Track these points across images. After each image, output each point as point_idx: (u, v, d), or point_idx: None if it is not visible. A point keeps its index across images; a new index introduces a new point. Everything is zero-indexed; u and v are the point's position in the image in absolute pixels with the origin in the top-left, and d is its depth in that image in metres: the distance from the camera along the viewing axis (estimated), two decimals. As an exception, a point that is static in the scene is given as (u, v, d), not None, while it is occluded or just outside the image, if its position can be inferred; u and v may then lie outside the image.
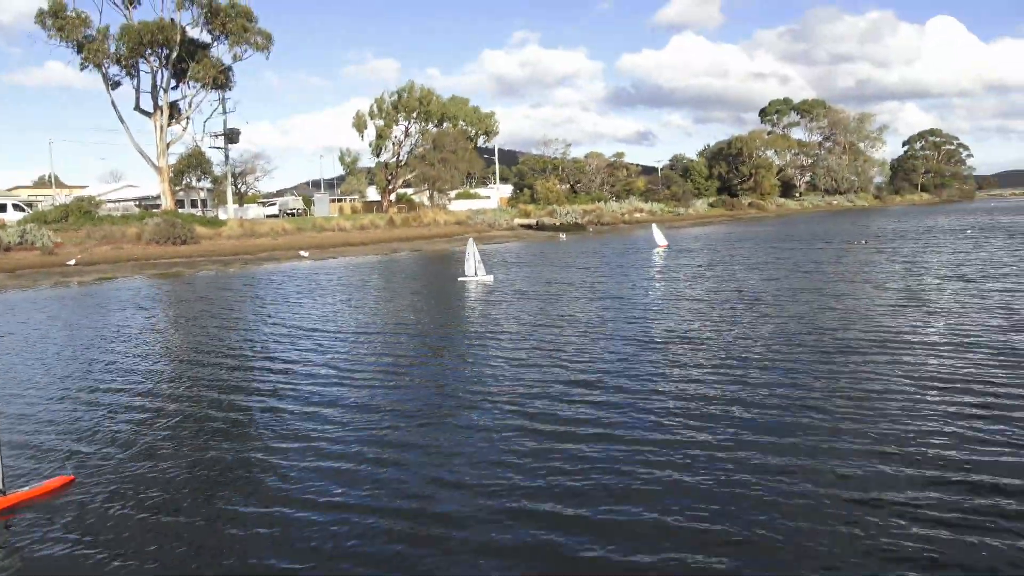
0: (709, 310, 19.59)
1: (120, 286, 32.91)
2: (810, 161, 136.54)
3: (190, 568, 6.51)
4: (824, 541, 6.49)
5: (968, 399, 10.36)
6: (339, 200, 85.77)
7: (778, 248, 42.31)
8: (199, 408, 11.59)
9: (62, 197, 67.48)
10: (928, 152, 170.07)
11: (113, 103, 58.17)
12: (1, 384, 13.67)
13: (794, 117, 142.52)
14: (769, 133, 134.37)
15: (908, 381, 11.40)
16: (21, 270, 40.50)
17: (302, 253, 49.04)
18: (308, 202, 76.82)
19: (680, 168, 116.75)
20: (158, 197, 62.83)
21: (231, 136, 64.07)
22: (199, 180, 65.68)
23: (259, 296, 26.82)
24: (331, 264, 42.12)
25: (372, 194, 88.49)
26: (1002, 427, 9.17)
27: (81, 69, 56.44)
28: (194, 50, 58.26)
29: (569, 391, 11.58)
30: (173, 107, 59.87)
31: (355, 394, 11.95)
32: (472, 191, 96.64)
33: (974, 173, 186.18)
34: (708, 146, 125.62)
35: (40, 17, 53.65)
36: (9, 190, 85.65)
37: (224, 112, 62.89)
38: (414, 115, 75.25)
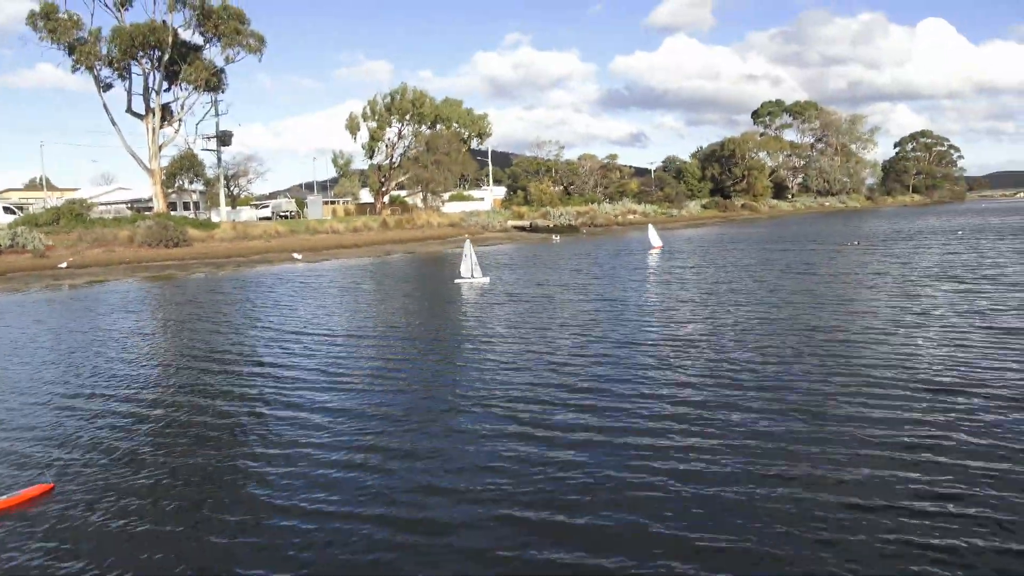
0: (704, 313, 19.55)
1: (111, 289, 32.72)
2: (802, 163, 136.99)
3: (170, 578, 6.41)
4: (817, 548, 6.43)
5: (959, 401, 10.36)
6: (332, 202, 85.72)
7: (771, 250, 42.36)
8: (183, 414, 11.47)
9: (53, 200, 67.20)
10: (919, 153, 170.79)
11: (105, 105, 58.02)
12: (-17, 389, 13.48)
13: (786, 119, 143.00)
14: (761, 135, 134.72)
15: (899, 383, 11.36)
16: (12, 273, 40.22)
17: (295, 256, 48.90)
18: (301, 204, 76.67)
19: (673, 170, 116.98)
20: (150, 200, 62.61)
21: (223, 138, 63.92)
22: (191, 182, 65.38)
23: (250, 299, 26.67)
24: (324, 266, 41.99)
25: (365, 196, 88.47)
26: (993, 428, 9.16)
27: (73, 71, 56.34)
28: (186, 52, 58.06)
29: (561, 395, 11.49)
30: (165, 109, 59.66)
31: (344, 399, 11.86)
32: (465, 193, 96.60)
33: (965, 174, 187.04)
34: (701, 148, 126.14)
35: (31, 19, 53.44)
36: (0, 193, 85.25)
37: (216, 114, 62.80)
38: (407, 117, 75.14)
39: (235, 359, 15.55)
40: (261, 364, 14.85)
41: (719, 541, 6.63)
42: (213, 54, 59.87)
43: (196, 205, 70.09)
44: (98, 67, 56.02)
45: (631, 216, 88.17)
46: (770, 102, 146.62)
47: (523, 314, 20.39)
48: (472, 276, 28.46)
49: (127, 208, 67.12)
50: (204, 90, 59.80)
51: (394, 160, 77.32)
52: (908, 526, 6.76)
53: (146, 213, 58.81)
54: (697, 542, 6.63)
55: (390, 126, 75.68)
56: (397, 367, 14.17)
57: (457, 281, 28.67)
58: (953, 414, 9.85)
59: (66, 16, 53.95)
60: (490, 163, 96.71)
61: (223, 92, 61.91)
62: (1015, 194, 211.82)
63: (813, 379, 11.88)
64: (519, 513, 7.33)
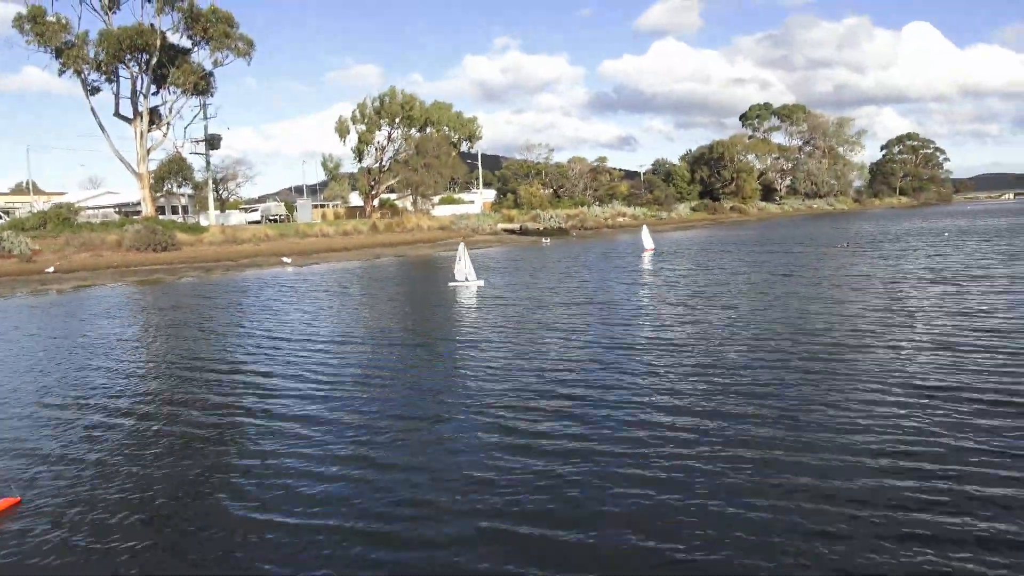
0: (695, 317, 19.49)
1: (97, 294, 32.51)
2: (790, 165, 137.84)
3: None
4: (806, 559, 6.42)
5: (947, 404, 10.39)
6: (322, 206, 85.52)
7: (761, 252, 42.54)
8: (159, 423, 11.20)
9: (40, 204, 66.77)
10: (906, 156, 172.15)
11: (92, 109, 57.76)
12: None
13: (774, 122, 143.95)
14: (750, 138, 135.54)
15: (886, 386, 11.39)
16: (-4, 278, 39.92)
17: (285, 259, 48.77)
18: (291, 208, 76.54)
19: (662, 173, 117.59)
20: (138, 204, 62.30)
21: (212, 142, 63.73)
22: (180, 186, 65.15)
23: (238, 304, 26.52)
24: (314, 270, 41.90)
25: (355, 199, 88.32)
26: (983, 430, 9.26)
27: (59, 75, 56.06)
28: (174, 56, 57.88)
29: (550, 403, 11.32)
30: (153, 113, 59.43)
31: (328, 406, 11.62)
32: (455, 196, 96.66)
33: (951, 176, 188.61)
34: (690, 151, 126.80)
35: (18, 22, 53.16)
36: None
37: (205, 118, 62.65)
38: (397, 120, 75.18)
39: (217, 366, 15.28)
40: (243, 371, 14.59)
41: (705, 552, 6.58)
42: (201, 57, 59.86)
43: (185, 209, 69.80)
44: (85, 71, 55.76)
45: (621, 219, 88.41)
46: (758, 105, 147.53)
47: (516, 319, 20.22)
48: (466, 279, 28.47)
49: (115, 212, 66.77)
50: (192, 93, 59.65)
51: (384, 163, 77.31)
52: (897, 533, 6.76)
53: (134, 217, 58.49)
54: (682, 553, 6.58)
55: (380, 129, 75.73)
56: (386, 373, 14.00)
57: (451, 284, 28.65)
58: (940, 418, 9.87)
59: (54, 19, 53.71)
60: (480, 166, 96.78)
61: (212, 96, 61.90)
62: (1000, 196, 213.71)
63: (803, 385, 11.83)
64: (504, 526, 7.20)
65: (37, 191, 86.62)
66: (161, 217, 60.09)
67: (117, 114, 58.66)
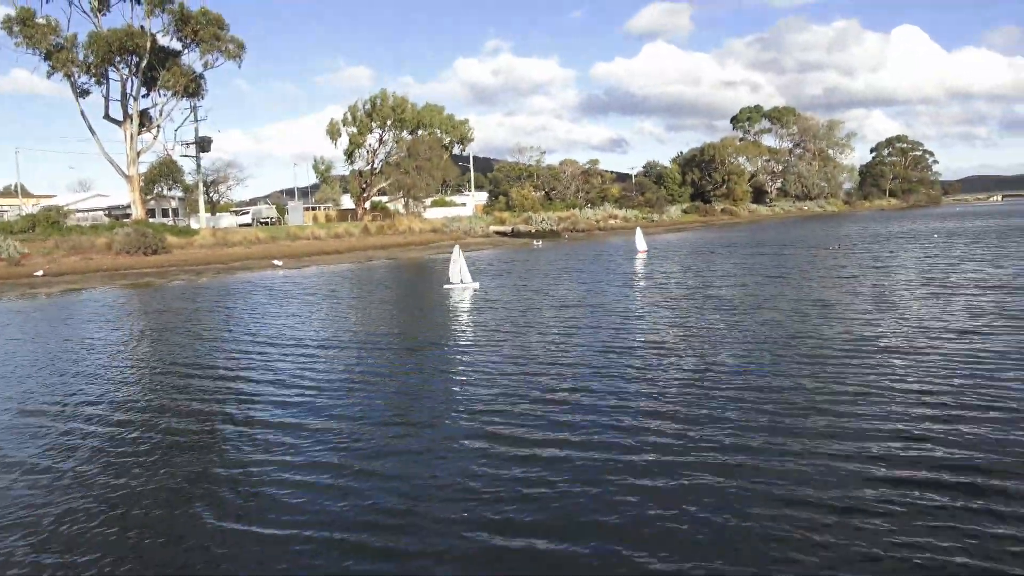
0: (694, 321, 19.57)
1: (86, 297, 32.32)
2: (781, 167, 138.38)
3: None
4: (798, 568, 6.43)
5: (935, 407, 10.52)
6: (313, 208, 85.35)
7: (753, 254, 42.73)
8: (138, 431, 10.84)
9: (29, 207, 66.32)
10: (895, 158, 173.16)
11: (82, 112, 57.41)
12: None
13: (765, 124, 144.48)
14: (741, 140, 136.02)
15: (877, 387, 11.51)
16: (-15, 282, 39.64)
17: (276, 262, 48.61)
18: (282, 210, 76.24)
19: (654, 175, 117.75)
20: (128, 207, 61.96)
21: (203, 144, 63.46)
22: (170, 189, 64.88)
23: (227, 307, 26.36)
24: (305, 273, 41.77)
25: (347, 202, 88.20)
26: (968, 435, 9.33)
27: (48, 77, 55.70)
28: (164, 58, 57.65)
29: (539, 409, 11.18)
30: (143, 115, 59.17)
31: (312, 413, 11.38)
32: (447, 199, 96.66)
33: (940, 179, 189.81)
34: (681, 153, 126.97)
35: (7, 24, 52.77)
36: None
37: (195, 120, 62.43)
38: (388, 123, 75.11)
39: (201, 372, 14.95)
40: (227, 377, 14.32)
41: (695, 562, 6.56)
42: (192, 60, 59.66)
43: (175, 212, 69.53)
44: (75, 73, 55.43)
45: (612, 221, 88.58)
46: (749, 108, 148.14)
47: (509, 322, 20.17)
48: (462, 281, 28.42)
49: (105, 215, 66.41)
50: (183, 96, 59.43)
51: (375, 166, 77.23)
52: (890, 541, 6.80)
53: (124, 220, 58.19)
54: (672, 563, 6.55)
55: (371, 132, 75.63)
56: (377, 377, 13.95)
57: (447, 286, 28.57)
58: (928, 420, 9.98)
59: (43, 21, 53.38)
60: (472, 168, 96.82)
61: (202, 98, 61.67)
62: (988, 198, 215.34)
63: (795, 390, 11.86)
64: (488, 536, 7.06)
65: (26, 194, 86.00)
66: (151, 220, 59.85)
67: (107, 116, 58.39)
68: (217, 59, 59.09)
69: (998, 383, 11.47)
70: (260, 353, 16.71)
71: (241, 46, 59.44)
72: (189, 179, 65.90)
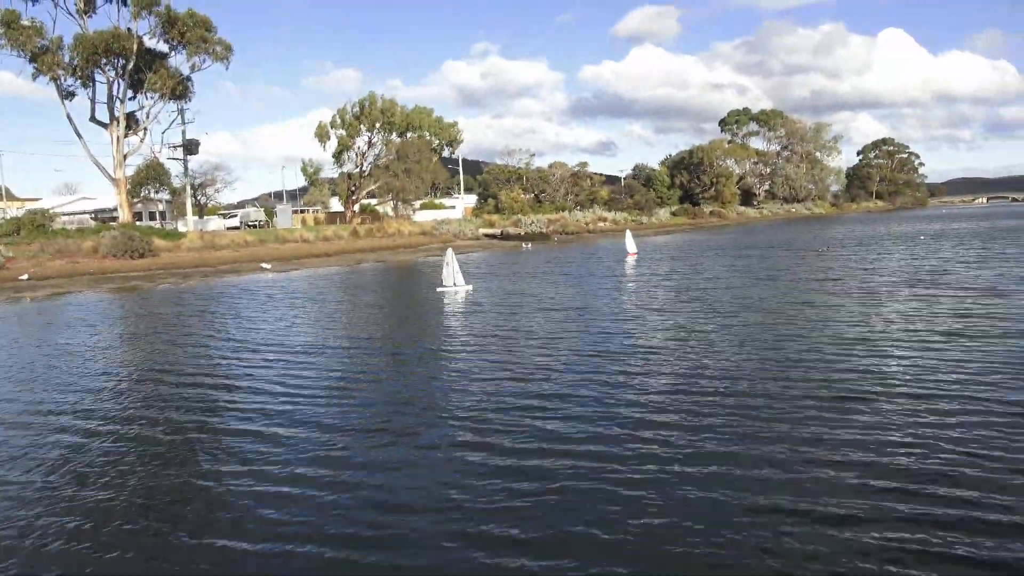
0: (686, 323, 19.54)
1: (71, 301, 32.02)
2: (769, 170, 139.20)
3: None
4: (792, 574, 6.44)
5: (925, 409, 10.54)
6: (302, 211, 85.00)
7: (741, 256, 42.86)
8: (112, 441, 10.63)
9: (14, 210, 65.79)
10: (882, 161, 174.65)
11: (68, 115, 56.99)
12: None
13: (753, 127, 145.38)
14: (729, 143, 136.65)
15: (868, 393, 11.52)
16: (-31, 286, 39.21)
17: (264, 265, 48.37)
18: (270, 213, 75.93)
19: (643, 177, 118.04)
20: (115, 209, 61.52)
21: (190, 147, 63.08)
22: (157, 192, 64.49)
23: (213, 311, 26.11)
24: (293, 276, 41.55)
25: (335, 205, 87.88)
26: (959, 436, 9.37)
27: (34, 79, 55.23)
28: (151, 60, 57.29)
29: (527, 417, 11.04)
30: (130, 118, 58.77)
31: (296, 421, 11.16)
32: (437, 201, 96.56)
33: (926, 181, 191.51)
34: (670, 156, 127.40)
35: (-9, 26, 52.30)
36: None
37: (183, 123, 62.04)
38: (377, 125, 74.95)
39: (183, 378, 14.65)
40: (210, 384, 14.08)
41: (684, 564, 6.55)
42: (179, 62, 59.34)
43: (162, 215, 69.09)
44: (61, 75, 54.99)
45: (601, 223, 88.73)
46: (737, 110, 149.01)
47: (499, 326, 20.08)
48: (455, 284, 28.28)
49: (91, 218, 65.93)
50: (170, 98, 59.08)
51: (364, 168, 77.02)
52: (880, 547, 6.80)
53: (111, 223, 57.78)
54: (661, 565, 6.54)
55: (360, 134, 75.43)
56: (364, 381, 13.86)
57: (440, 290, 28.35)
58: (922, 426, 9.98)
59: (28, 23, 52.94)
60: (461, 171, 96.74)
61: (189, 100, 61.31)
62: (973, 200, 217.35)
63: (785, 396, 11.83)
64: (473, 549, 6.97)
65: (11, 197, 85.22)
66: (138, 223, 59.44)
67: (93, 119, 57.97)
68: (204, 61, 58.90)
69: (986, 386, 11.50)
70: (244, 358, 16.49)
71: (228, 48, 59.28)
72: (176, 182, 65.57)
